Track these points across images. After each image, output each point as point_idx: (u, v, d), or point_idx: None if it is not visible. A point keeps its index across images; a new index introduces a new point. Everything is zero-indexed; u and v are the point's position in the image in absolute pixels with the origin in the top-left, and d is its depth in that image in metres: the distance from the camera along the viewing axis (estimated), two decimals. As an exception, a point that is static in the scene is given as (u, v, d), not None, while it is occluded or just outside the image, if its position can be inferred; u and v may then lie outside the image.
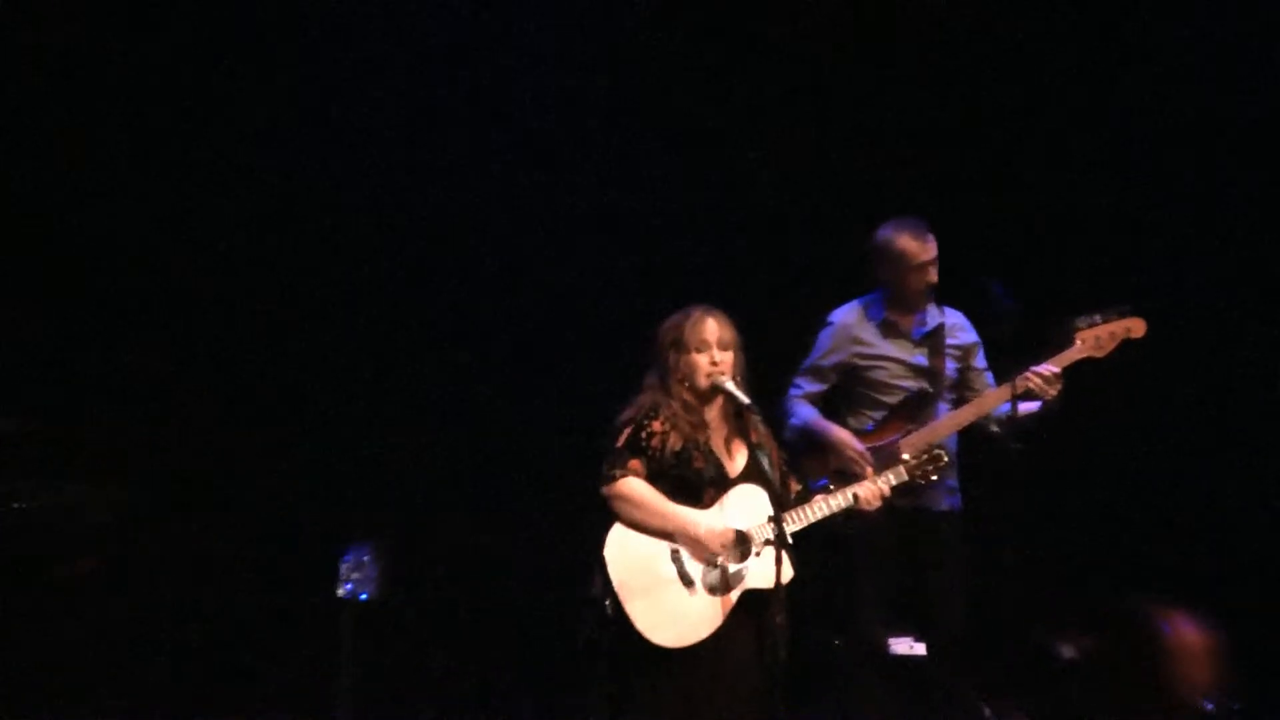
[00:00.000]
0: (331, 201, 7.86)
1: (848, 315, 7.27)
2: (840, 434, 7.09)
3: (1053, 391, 6.94)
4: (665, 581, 6.03)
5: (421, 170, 7.87)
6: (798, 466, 6.66)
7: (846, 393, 7.24)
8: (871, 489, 6.21)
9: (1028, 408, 7.04)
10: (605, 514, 6.07)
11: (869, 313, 7.26)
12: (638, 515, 5.99)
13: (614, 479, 6.00)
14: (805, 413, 7.16)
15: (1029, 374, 6.96)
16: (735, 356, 6.15)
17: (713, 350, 6.10)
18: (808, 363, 7.24)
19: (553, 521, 7.89)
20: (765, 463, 6.12)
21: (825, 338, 7.23)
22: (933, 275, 7.10)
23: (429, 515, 8.16)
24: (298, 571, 7.83)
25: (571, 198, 8.06)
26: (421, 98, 7.88)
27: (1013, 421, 6.90)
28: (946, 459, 6.46)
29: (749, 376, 6.23)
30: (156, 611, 7.29)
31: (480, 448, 8.17)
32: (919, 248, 7.12)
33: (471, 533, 8.10)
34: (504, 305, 8.08)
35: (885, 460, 6.74)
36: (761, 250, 8.45)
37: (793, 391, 7.19)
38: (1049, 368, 6.95)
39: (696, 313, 6.15)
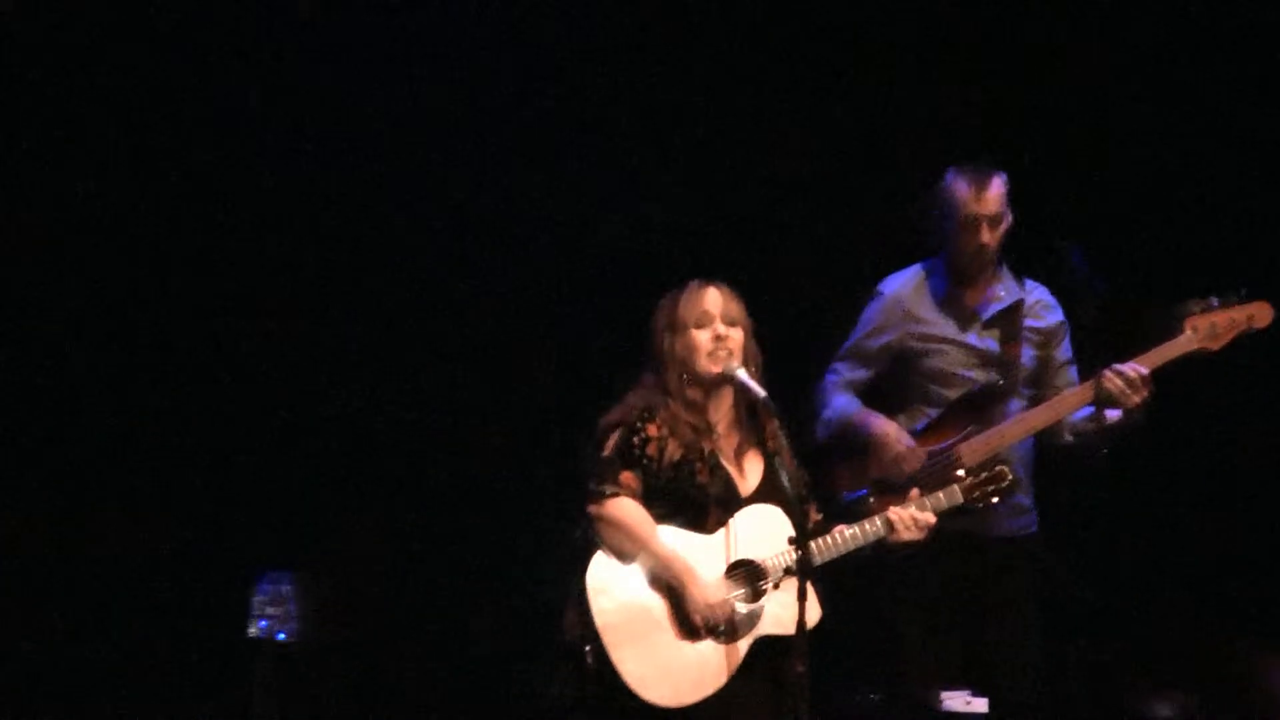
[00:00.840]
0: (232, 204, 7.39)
1: (902, 285, 6.53)
2: (883, 425, 6.32)
3: (1136, 399, 6.20)
4: (660, 626, 5.41)
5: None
6: (829, 476, 6.18)
7: (896, 383, 6.48)
8: (906, 516, 5.56)
9: (1108, 415, 6.33)
10: (586, 537, 5.47)
11: (929, 283, 6.51)
12: (626, 546, 5.43)
13: (604, 496, 5.43)
14: (841, 402, 6.43)
15: (1107, 373, 6.23)
16: (746, 341, 5.55)
17: (715, 324, 5.51)
18: (849, 343, 6.51)
19: (517, 546, 7.36)
20: (784, 476, 5.49)
21: (873, 312, 6.50)
22: (984, 236, 6.31)
23: (363, 537, 7.57)
24: (199, 604, 7.29)
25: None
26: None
27: (1092, 432, 6.17)
28: (1011, 478, 5.75)
29: (764, 373, 5.58)
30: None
31: (425, 458, 7.51)
32: (970, 196, 6.34)
33: (414, 560, 7.53)
34: (448, 313, 7.56)
35: (938, 470, 6.14)
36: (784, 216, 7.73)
37: (828, 378, 6.48)
38: (1135, 367, 6.20)
39: (693, 284, 5.58)
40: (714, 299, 5.60)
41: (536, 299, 7.47)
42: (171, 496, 7.38)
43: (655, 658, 5.43)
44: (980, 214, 6.38)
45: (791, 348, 6.12)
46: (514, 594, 7.34)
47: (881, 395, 6.57)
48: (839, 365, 6.56)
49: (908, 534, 5.62)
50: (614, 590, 5.47)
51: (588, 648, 5.41)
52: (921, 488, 5.81)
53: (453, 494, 7.62)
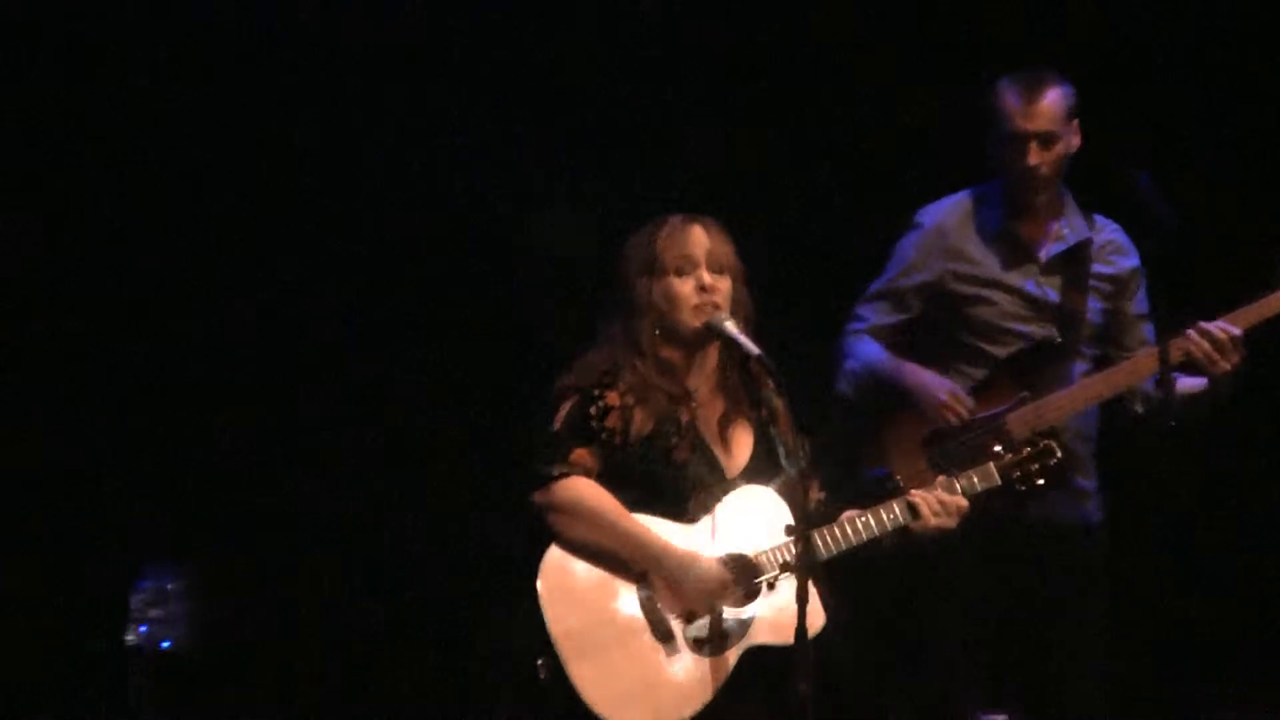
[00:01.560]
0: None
1: (946, 215, 6.25)
2: (921, 374, 6.10)
3: (1225, 364, 5.94)
4: (630, 633, 5.15)
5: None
6: (848, 447, 6.02)
7: (933, 338, 6.25)
8: (933, 500, 5.28)
9: (1189, 384, 6.05)
10: (537, 530, 5.18)
11: (979, 215, 6.24)
12: (588, 535, 5.14)
13: (551, 479, 5.13)
14: (867, 352, 6.21)
15: (1191, 333, 5.97)
16: (736, 290, 5.26)
17: (701, 270, 5.21)
18: (878, 283, 6.27)
19: (449, 537, 7.11)
20: (781, 451, 5.22)
21: (908, 246, 6.23)
22: (1032, 157, 6.03)
23: (263, 528, 7.30)
24: (72, 606, 7.09)
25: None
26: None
27: (1162, 403, 5.80)
28: (1059, 454, 5.45)
29: (757, 329, 5.29)
30: None
31: (337, 433, 7.35)
32: (1018, 108, 6.06)
33: (326, 555, 7.27)
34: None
35: (975, 444, 5.88)
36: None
37: (852, 325, 6.26)
38: (1224, 327, 5.94)
39: (674, 220, 5.28)
40: (699, 239, 5.29)
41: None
42: (35, 479, 7.20)
43: (626, 672, 5.14)
44: (1028, 130, 6.09)
45: (800, 292, 6.30)
46: (446, 593, 7.10)
47: (914, 353, 6.32)
48: (864, 310, 6.32)
49: (936, 521, 5.30)
50: (572, 592, 5.20)
51: (540, 662, 5.09)
52: (951, 466, 5.59)
53: (378, 478, 7.43)
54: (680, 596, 5.16)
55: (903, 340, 6.31)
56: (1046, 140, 6.08)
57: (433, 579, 7.12)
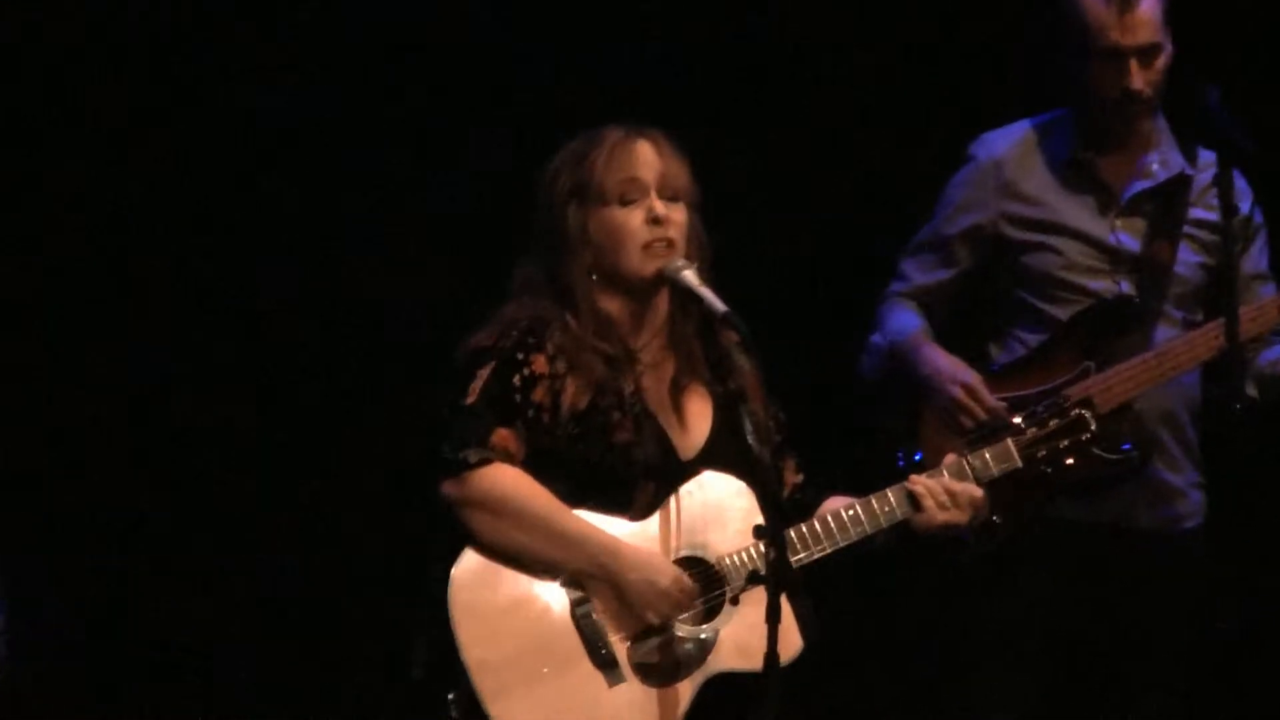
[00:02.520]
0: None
1: (1006, 148, 5.63)
2: (940, 361, 5.48)
3: None
4: (564, 660, 4.60)
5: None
6: (878, 428, 5.53)
7: (990, 298, 5.69)
8: (937, 487, 4.69)
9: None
10: (447, 530, 4.60)
11: (1044, 147, 5.62)
12: (513, 537, 4.59)
13: (465, 467, 4.55)
14: (895, 323, 5.63)
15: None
16: (692, 221, 4.66)
17: (651, 198, 4.62)
18: (923, 233, 5.69)
19: (340, 535, 6.49)
20: (749, 429, 4.60)
21: (957, 184, 5.65)
22: (1135, 79, 5.37)
23: (101, 521, 6.62)
24: None
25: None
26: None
27: (1231, 381, 5.24)
28: (1095, 428, 4.82)
29: (716, 278, 4.69)
30: None
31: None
32: (1110, 18, 5.39)
33: (185, 555, 6.58)
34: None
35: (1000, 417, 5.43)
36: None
37: (893, 286, 5.69)
38: None
39: (614, 134, 4.68)
40: (648, 159, 4.68)
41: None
42: None
43: (557, 709, 4.60)
44: (1126, 45, 5.42)
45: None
46: (339, 606, 6.57)
47: (965, 315, 5.76)
48: (906, 265, 5.71)
49: (942, 515, 4.73)
50: (493, 608, 4.63)
51: (451, 696, 4.54)
52: (964, 444, 5.07)
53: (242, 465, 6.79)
54: (628, 608, 4.61)
55: (954, 299, 5.68)
56: (1149, 54, 5.43)
57: (301, 589, 6.53)
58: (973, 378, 5.44)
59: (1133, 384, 5.42)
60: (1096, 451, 4.99)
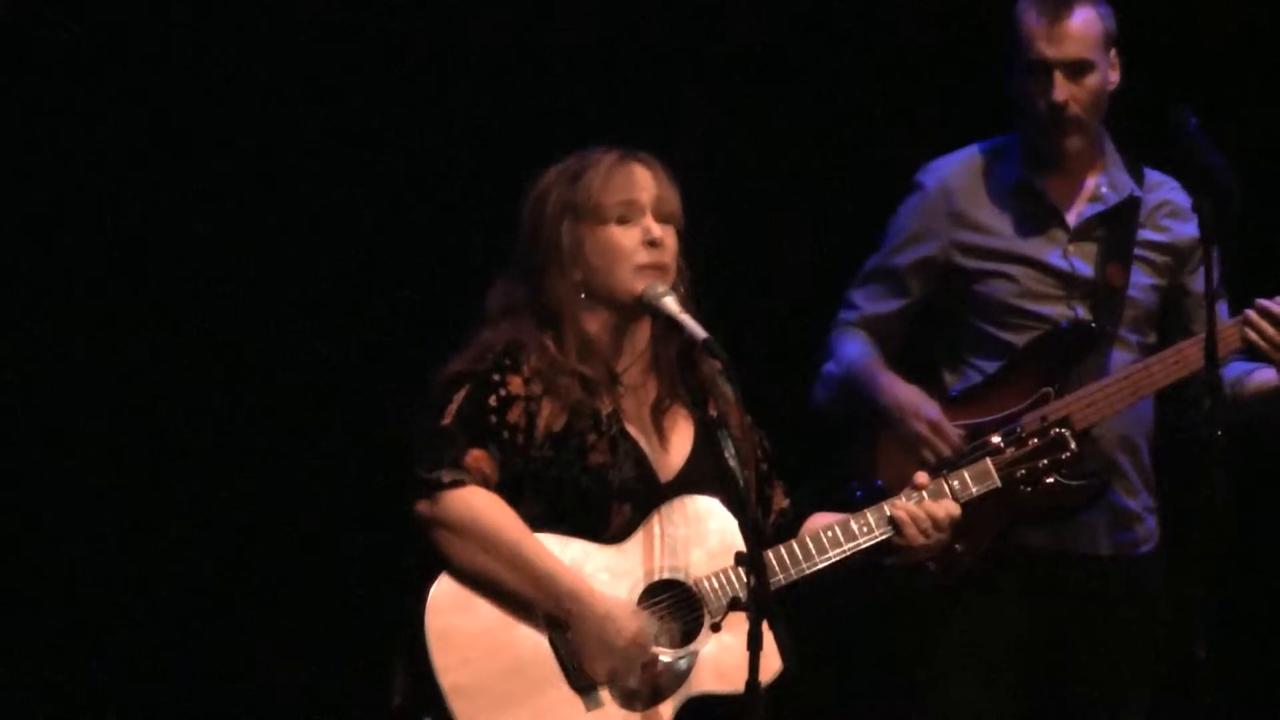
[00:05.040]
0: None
1: (952, 174, 5.67)
2: (897, 391, 5.52)
3: None
4: (541, 684, 4.60)
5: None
6: (835, 456, 5.55)
7: (938, 324, 5.71)
8: (918, 510, 4.68)
9: (1263, 378, 5.56)
10: (420, 551, 4.61)
11: (993, 172, 5.66)
12: (482, 562, 4.57)
13: (441, 487, 4.54)
14: (849, 352, 5.65)
15: (1250, 313, 5.47)
16: (679, 248, 4.75)
17: (647, 219, 4.65)
18: (873, 259, 5.72)
19: (297, 545, 6.47)
20: (729, 453, 4.69)
21: (906, 213, 5.66)
22: (1059, 92, 5.42)
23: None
24: None
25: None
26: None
27: (1209, 407, 5.16)
28: (1074, 448, 4.82)
29: (699, 301, 4.74)
30: None
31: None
32: (1040, 29, 5.44)
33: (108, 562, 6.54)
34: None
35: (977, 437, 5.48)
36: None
37: (842, 314, 5.73)
38: None
39: (608, 156, 4.69)
40: (644, 182, 4.71)
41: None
42: None
43: None
44: (1052, 57, 5.47)
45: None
46: (297, 625, 6.53)
47: (918, 342, 5.79)
48: (856, 295, 5.74)
49: (920, 539, 4.70)
50: (468, 631, 4.60)
51: None
52: (939, 466, 5.16)
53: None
54: (598, 656, 4.61)
55: (906, 327, 5.69)
56: (1076, 70, 5.46)
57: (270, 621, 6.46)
58: (936, 412, 5.46)
59: (1096, 410, 5.46)
60: (1064, 477, 4.96)
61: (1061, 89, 5.45)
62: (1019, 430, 4.98)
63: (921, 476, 4.82)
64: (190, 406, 6.90)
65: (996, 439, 4.88)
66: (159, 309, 6.93)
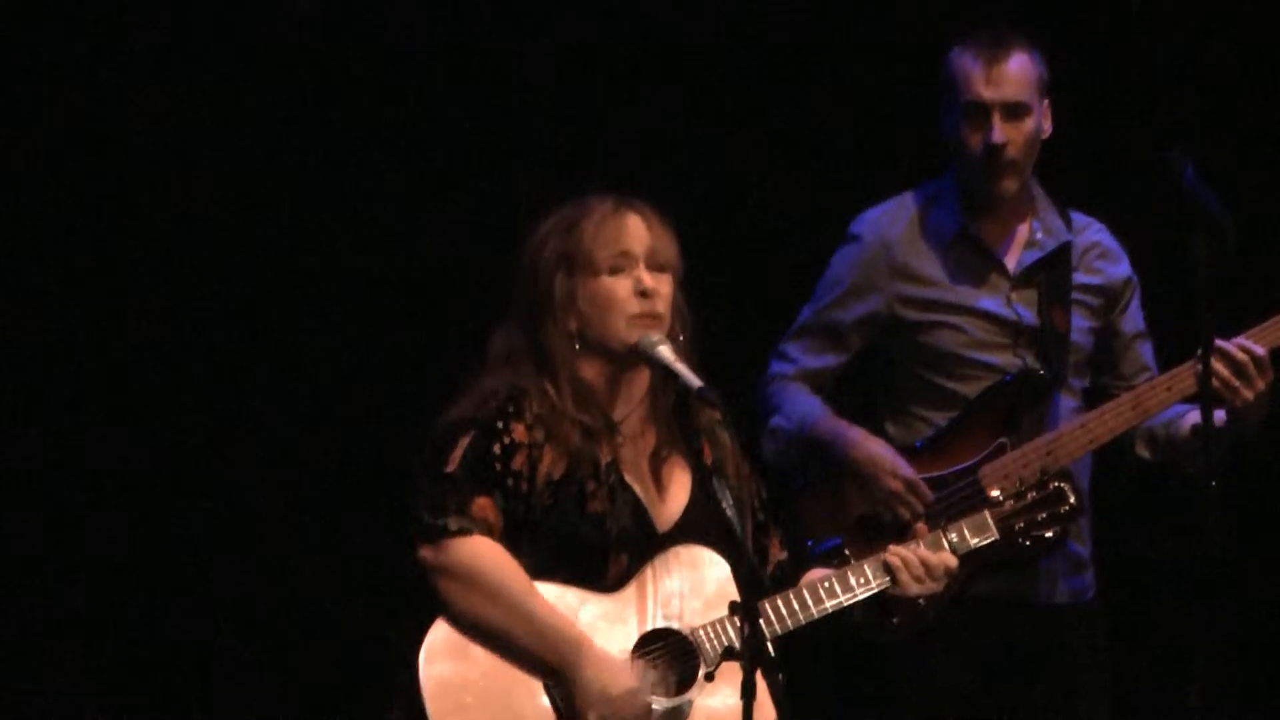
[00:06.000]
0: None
1: (889, 224, 5.52)
2: (869, 447, 5.37)
3: (1248, 393, 5.29)
4: None
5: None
6: (791, 514, 5.34)
7: (882, 375, 5.57)
8: (913, 557, 4.67)
9: (1194, 419, 5.46)
10: (419, 595, 4.59)
11: (929, 219, 5.49)
12: (484, 612, 4.56)
13: (446, 534, 4.52)
14: (800, 406, 5.48)
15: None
16: (676, 294, 4.67)
17: (640, 270, 4.62)
18: (808, 312, 5.55)
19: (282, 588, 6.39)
20: (726, 502, 4.55)
21: (842, 266, 5.53)
22: (997, 134, 5.33)
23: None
24: None
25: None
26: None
27: (1182, 444, 5.33)
28: (1074, 501, 4.79)
29: (698, 341, 4.70)
30: None
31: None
32: (977, 72, 5.35)
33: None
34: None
35: (957, 502, 5.29)
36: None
37: (776, 368, 5.57)
38: (1246, 344, 5.30)
39: (603, 206, 4.66)
40: (638, 232, 4.67)
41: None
42: None
43: None
44: (990, 99, 5.36)
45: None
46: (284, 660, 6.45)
47: (859, 393, 5.66)
48: (791, 348, 5.59)
49: (917, 587, 4.68)
50: (465, 682, 4.59)
51: None
52: (935, 519, 5.07)
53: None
54: (595, 706, 4.57)
55: (844, 377, 5.57)
56: (1014, 112, 5.36)
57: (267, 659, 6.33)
58: (909, 470, 5.37)
59: (1055, 459, 5.37)
60: (1074, 516, 4.92)
61: (999, 130, 5.35)
62: (1008, 484, 4.91)
63: (921, 528, 4.80)
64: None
65: (995, 492, 4.86)
66: (159, 309, 6.73)
